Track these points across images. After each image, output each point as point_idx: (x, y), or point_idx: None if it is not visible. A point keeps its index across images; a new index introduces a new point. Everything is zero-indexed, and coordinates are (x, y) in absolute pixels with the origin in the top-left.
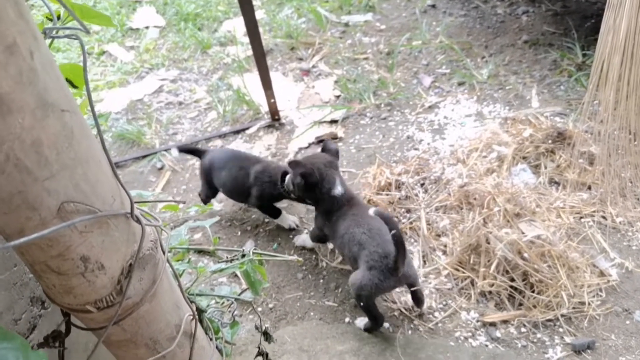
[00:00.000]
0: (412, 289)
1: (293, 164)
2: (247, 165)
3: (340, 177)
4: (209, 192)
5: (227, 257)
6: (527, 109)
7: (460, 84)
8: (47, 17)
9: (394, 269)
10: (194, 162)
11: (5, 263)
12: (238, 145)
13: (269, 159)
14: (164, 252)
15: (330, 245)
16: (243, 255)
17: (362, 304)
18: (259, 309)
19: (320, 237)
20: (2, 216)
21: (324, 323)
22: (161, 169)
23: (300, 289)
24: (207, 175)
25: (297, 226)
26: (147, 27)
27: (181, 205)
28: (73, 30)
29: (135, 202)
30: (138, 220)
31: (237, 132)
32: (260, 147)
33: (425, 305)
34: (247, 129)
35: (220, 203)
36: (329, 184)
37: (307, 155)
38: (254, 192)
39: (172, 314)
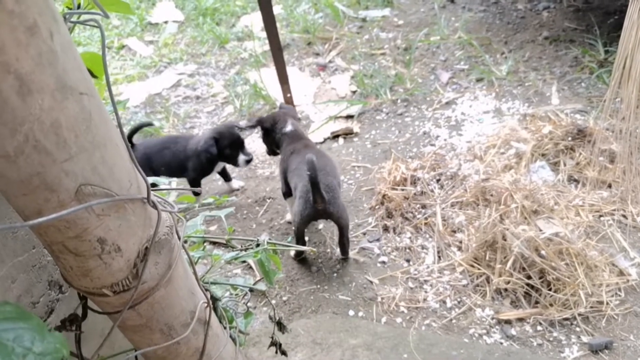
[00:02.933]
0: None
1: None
2: (182, 141)
3: (292, 120)
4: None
5: (241, 247)
6: (547, 105)
7: (479, 80)
8: (67, 7)
9: (313, 201)
10: None
11: (24, 245)
12: (253, 139)
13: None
14: (179, 238)
15: None
16: (257, 245)
17: (293, 228)
18: (273, 301)
19: (286, 190)
20: (21, 197)
21: (338, 316)
22: None
23: (314, 282)
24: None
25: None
26: (166, 22)
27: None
28: (92, 15)
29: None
30: (154, 205)
31: (253, 126)
32: None
33: (349, 256)
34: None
35: (236, 196)
36: (281, 124)
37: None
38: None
39: (187, 300)
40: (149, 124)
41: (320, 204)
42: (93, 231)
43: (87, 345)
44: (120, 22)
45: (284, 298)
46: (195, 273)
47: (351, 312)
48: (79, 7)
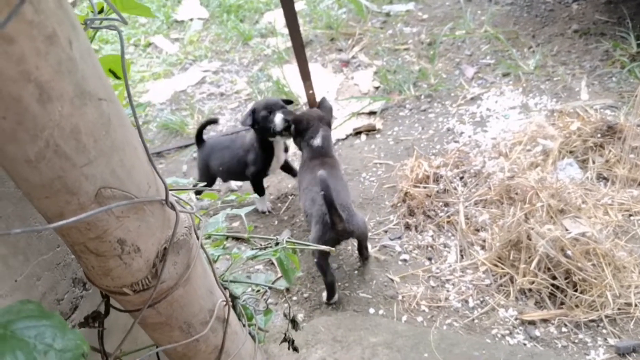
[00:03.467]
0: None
1: (290, 113)
2: (241, 138)
3: (324, 133)
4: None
5: (261, 245)
6: (576, 101)
7: (505, 74)
8: (91, 10)
9: (331, 223)
10: None
11: (49, 243)
12: None
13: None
14: (198, 238)
15: None
16: (277, 244)
17: (315, 260)
18: (294, 298)
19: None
20: (43, 200)
21: (358, 314)
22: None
23: (336, 280)
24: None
25: (270, 211)
26: (191, 19)
27: (220, 193)
28: (112, 20)
29: (171, 190)
30: (173, 207)
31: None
32: None
33: (370, 254)
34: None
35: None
36: (311, 133)
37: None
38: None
39: (206, 298)
40: (214, 121)
41: (339, 224)
42: (113, 232)
43: (109, 341)
44: (146, 20)
45: (305, 295)
46: (214, 272)
47: (372, 310)
48: (101, 11)
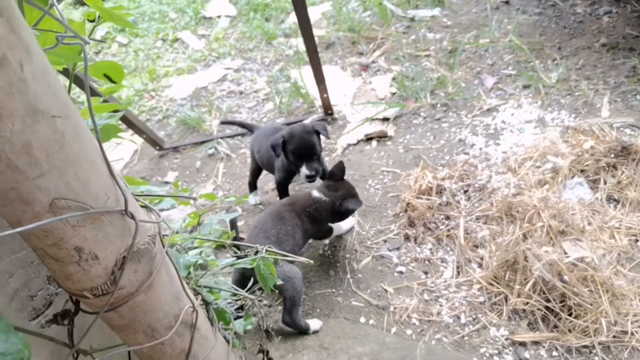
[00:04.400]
0: None
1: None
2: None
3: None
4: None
5: (241, 253)
6: (595, 117)
7: (526, 86)
8: (86, 18)
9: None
10: (246, 150)
11: (22, 243)
12: None
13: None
14: (163, 246)
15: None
16: (256, 252)
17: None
18: (262, 311)
19: None
20: (2, 208)
21: (348, 322)
22: (212, 155)
23: (330, 286)
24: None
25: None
26: (219, 16)
27: (219, 195)
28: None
29: (145, 196)
30: (132, 217)
31: (290, 124)
32: None
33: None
34: (300, 121)
35: (257, 196)
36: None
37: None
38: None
39: (171, 304)
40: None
41: None
42: (70, 240)
43: (85, 339)
44: (176, 15)
45: None
46: (180, 279)
47: (362, 319)
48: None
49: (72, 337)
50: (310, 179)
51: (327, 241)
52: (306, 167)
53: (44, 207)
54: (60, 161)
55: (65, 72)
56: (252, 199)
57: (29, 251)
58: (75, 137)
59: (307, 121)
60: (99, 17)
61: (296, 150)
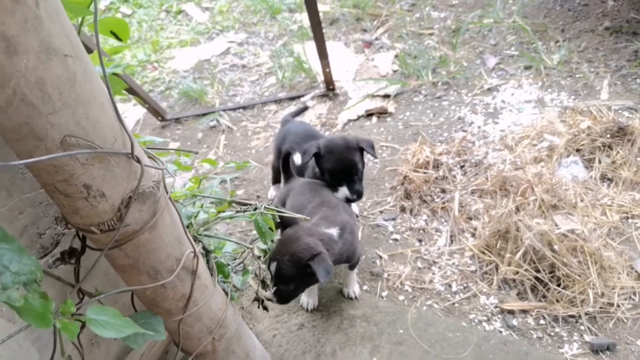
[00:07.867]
0: None
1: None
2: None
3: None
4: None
5: (240, 208)
6: (594, 99)
7: (527, 67)
8: None
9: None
10: (247, 123)
11: (33, 185)
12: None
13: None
14: (167, 192)
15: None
16: (255, 208)
17: None
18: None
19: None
20: (15, 143)
21: (341, 287)
22: (214, 127)
23: None
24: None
25: None
26: None
27: (220, 162)
28: None
29: (150, 148)
30: (138, 161)
31: (292, 98)
32: (312, 115)
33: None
34: (302, 96)
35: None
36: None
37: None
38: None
39: (174, 247)
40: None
41: None
42: (79, 177)
43: (91, 281)
44: None
45: None
46: (182, 224)
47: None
48: None
49: (78, 276)
50: (350, 202)
51: None
52: (348, 189)
53: (55, 143)
54: (71, 100)
55: None
56: (271, 192)
57: (38, 192)
58: (85, 78)
59: (345, 134)
60: None
61: (335, 171)
